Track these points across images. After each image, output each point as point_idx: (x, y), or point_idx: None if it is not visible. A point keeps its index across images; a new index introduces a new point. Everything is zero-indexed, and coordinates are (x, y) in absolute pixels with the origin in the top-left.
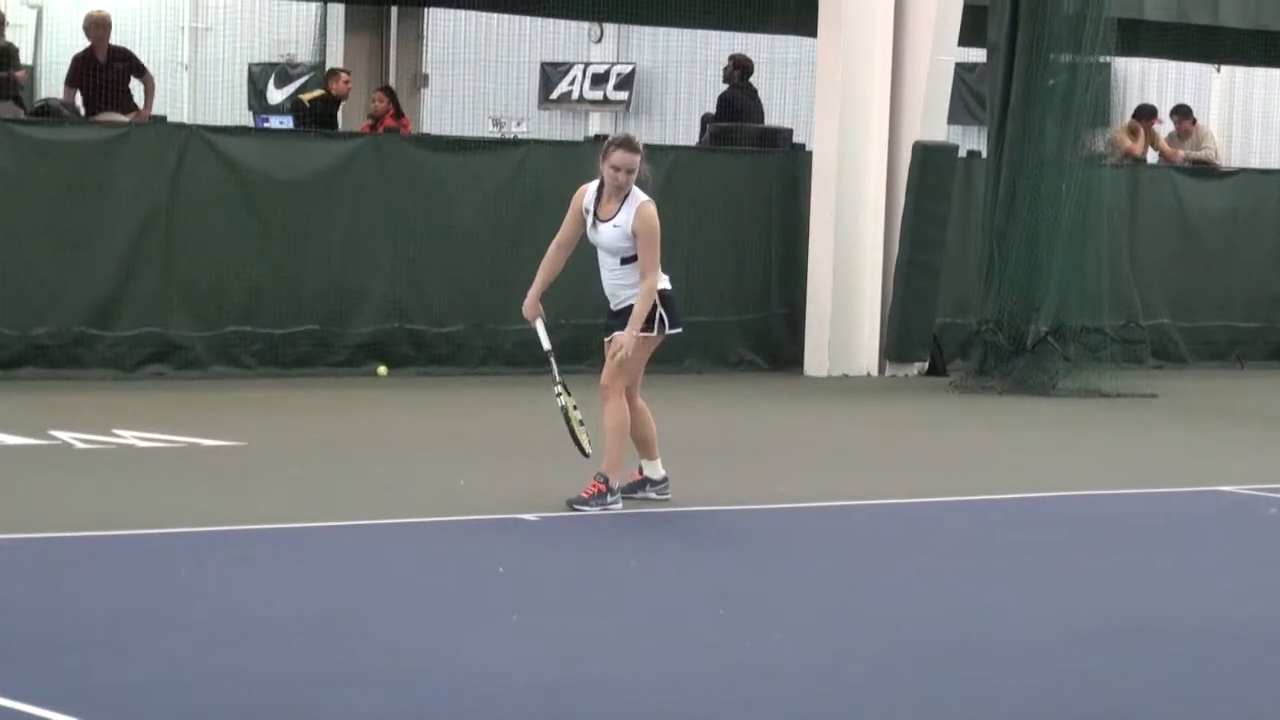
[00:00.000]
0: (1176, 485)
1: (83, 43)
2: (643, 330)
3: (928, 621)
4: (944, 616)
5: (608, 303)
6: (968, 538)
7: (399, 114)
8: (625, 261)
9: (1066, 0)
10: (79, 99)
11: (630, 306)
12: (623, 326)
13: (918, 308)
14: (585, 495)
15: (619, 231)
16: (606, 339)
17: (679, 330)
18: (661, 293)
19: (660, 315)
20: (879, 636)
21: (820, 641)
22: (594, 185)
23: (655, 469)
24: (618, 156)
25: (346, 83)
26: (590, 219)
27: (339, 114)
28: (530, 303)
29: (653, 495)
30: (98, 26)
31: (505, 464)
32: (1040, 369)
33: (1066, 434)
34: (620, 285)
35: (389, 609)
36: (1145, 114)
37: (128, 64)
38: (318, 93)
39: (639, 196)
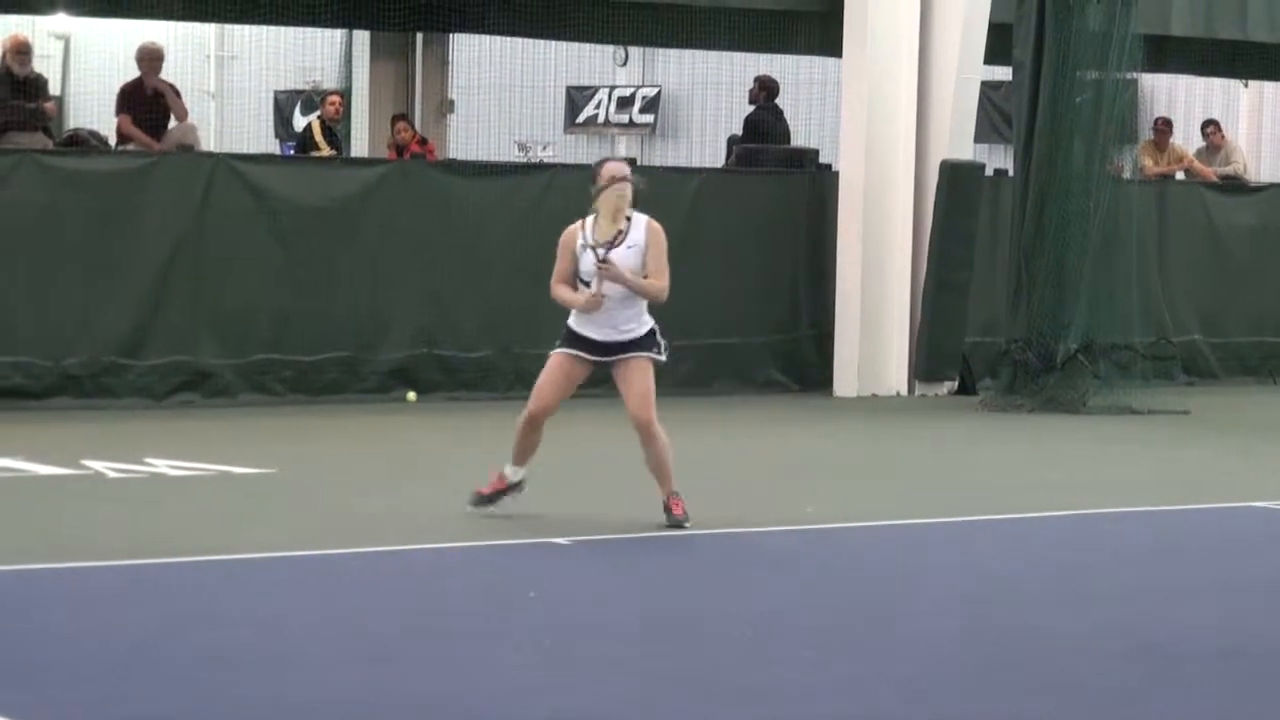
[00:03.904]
0: (1209, 502)
1: (111, 73)
2: (655, 354)
3: (959, 641)
4: (975, 636)
5: (591, 341)
6: (999, 557)
7: (423, 140)
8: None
9: (1092, 17)
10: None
11: (632, 339)
12: (617, 352)
13: (947, 327)
14: (680, 514)
15: (634, 251)
16: (607, 360)
17: (665, 359)
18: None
19: (660, 342)
20: (910, 657)
21: (851, 663)
22: (580, 223)
23: (519, 472)
24: (610, 166)
25: (335, 105)
26: (591, 253)
27: (338, 136)
28: (585, 296)
29: (510, 500)
30: (150, 58)
31: (536, 488)
32: (1070, 387)
33: (1098, 451)
34: (628, 317)
35: (421, 635)
36: (1161, 125)
37: (169, 99)
38: (313, 117)
39: (643, 216)
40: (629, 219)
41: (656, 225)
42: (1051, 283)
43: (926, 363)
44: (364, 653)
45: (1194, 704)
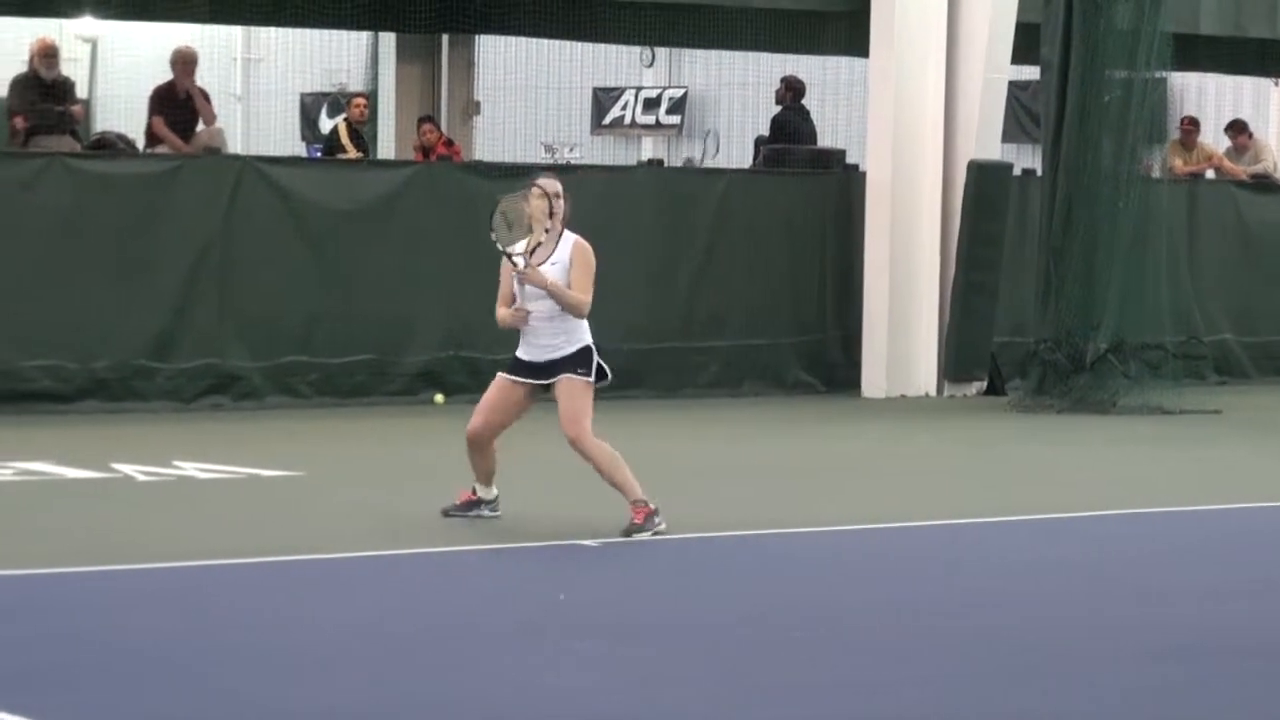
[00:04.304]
0: (1241, 501)
1: (138, 76)
2: (584, 375)
3: (991, 641)
4: (1007, 635)
5: (524, 363)
6: (1031, 557)
7: (450, 142)
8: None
9: (1120, 16)
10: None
11: (561, 357)
12: (546, 373)
13: (975, 327)
14: (638, 521)
15: (558, 268)
16: (545, 382)
17: (608, 381)
18: (594, 346)
19: (599, 364)
20: (941, 657)
21: (881, 663)
22: (523, 242)
23: (489, 492)
24: (541, 184)
25: (361, 107)
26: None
27: (365, 139)
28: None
29: (487, 513)
30: (184, 62)
31: (564, 490)
32: (1100, 387)
33: (1129, 451)
34: (554, 333)
35: (449, 637)
36: (1187, 124)
37: (198, 103)
38: (340, 120)
39: (573, 235)
40: (559, 237)
41: (584, 244)
42: (1081, 282)
43: (955, 363)
44: (391, 656)
45: (1227, 703)
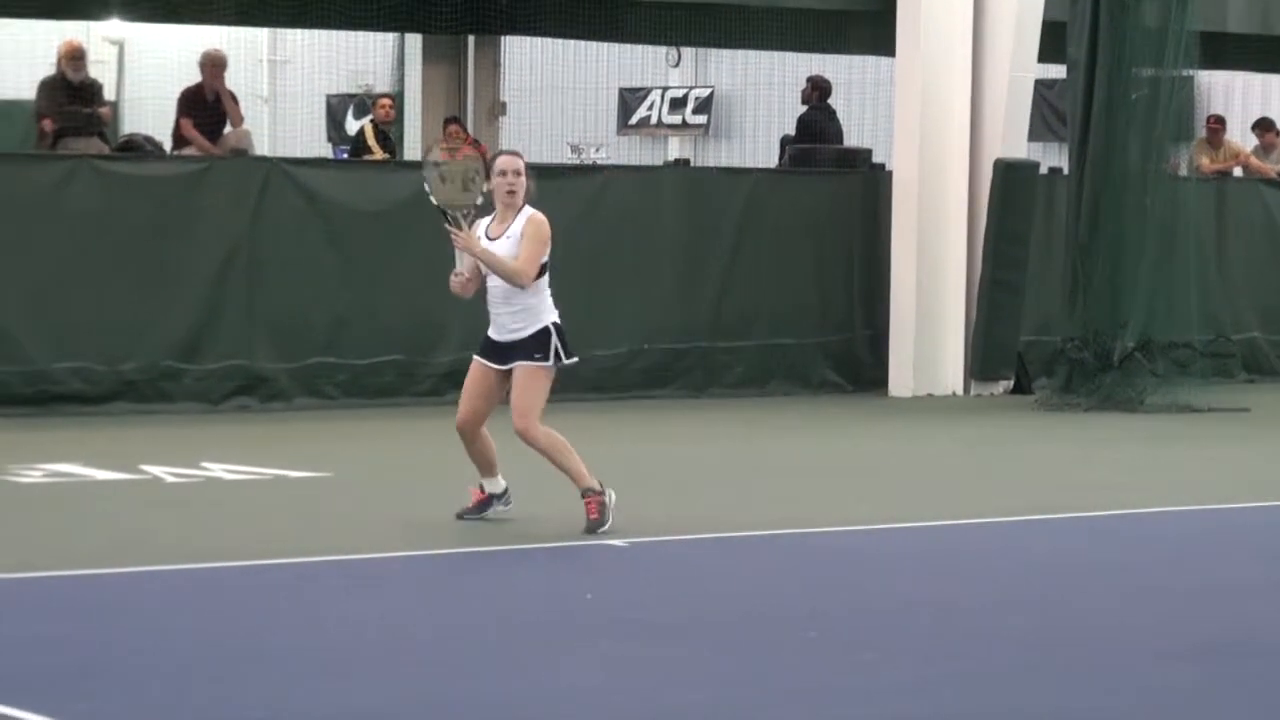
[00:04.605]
0: (1271, 499)
1: (166, 78)
2: (540, 360)
3: (1020, 641)
4: (1036, 635)
5: (492, 343)
6: (1058, 556)
7: (476, 142)
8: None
9: (1147, 14)
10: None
11: (519, 339)
12: (506, 358)
13: (1002, 326)
14: (594, 518)
15: (511, 241)
16: (499, 368)
17: (575, 360)
18: (556, 325)
19: (556, 346)
20: (970, 658)
21: (912, 663)
22: (487, 218)
23: (496, 484)
24: (502, 160)
25: (387, 108)
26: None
27: (391, 140)
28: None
29: (501, 508)
30: (213, 65)
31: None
32: (1128, 385)
33: (1157, 450)
34: (513, 313)
35: (478, 638)
36: (1213, 122)
37: (226, 105)
38: (366, 121)
39: (530, 209)
40: (519, 212)
41: (539, 218)
42: (1108, 281)
43: (982, 362)
44: (419, 656)
45: (1257, 702)
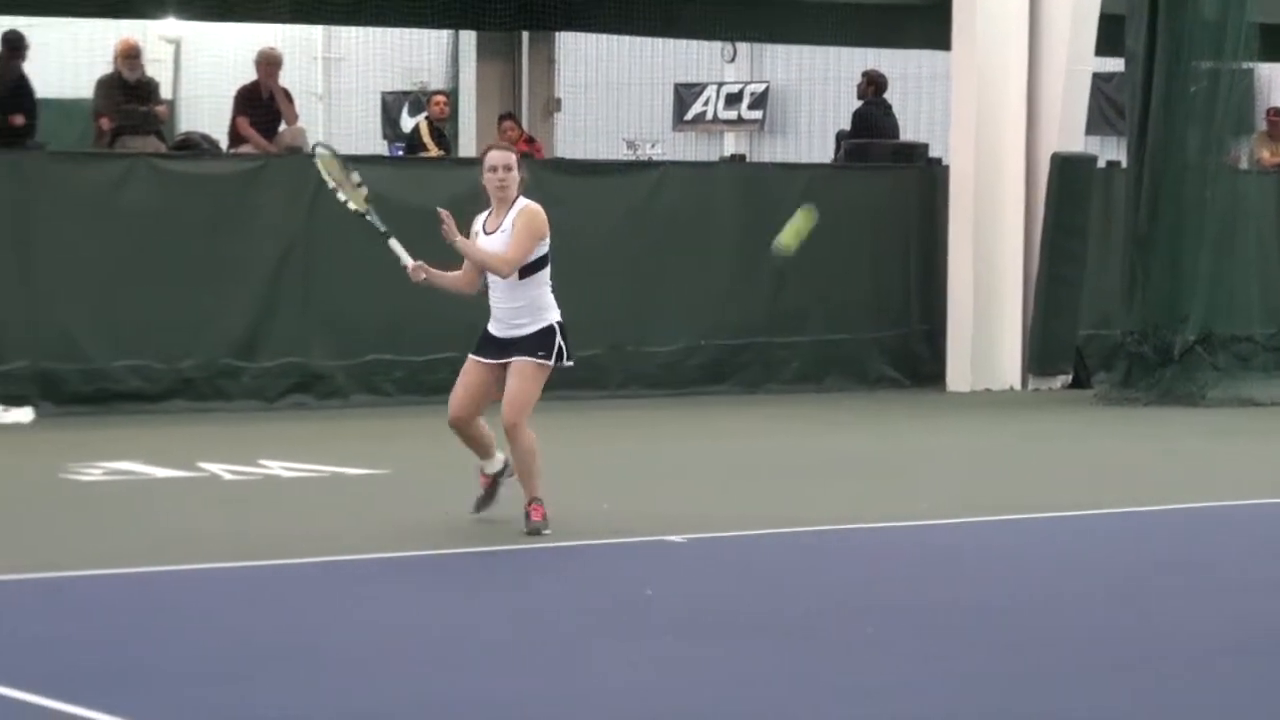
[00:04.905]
0: None
1: (221, 76)
2: (542, 358)
3: (1087, 637)
4: (1101, 631)
5: (492, 339)
6: (1122, 551)
7: (531, 139)
8: (523, 275)
9: (1206, 6)
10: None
11: (522, 336)
12: (506, 352)
13: (1060, 320)
14: (538, 519)
15: (505, 236)
16: (497, 363)
17: (571, 364)
18: (560, 324)
19: (560, 346)
20: (1034, 653)
21: (971, 659)
22: (484, 214)
23: (495, 463)
24: (492, 156)
25: (442, 105)
26: (480, 238)
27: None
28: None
29: (507, 480)
30: (268, 63)
31: (649, 486)
32: (1188, 379)
33: (1219, 444)
34: (516, 309)
35: (536, 634)
36: (1273, 115)
37: (281, 103)
38: (421, 118)
39: (525, 201)
40: (513, 204)
41: (532, 208)
42: (1167, 274)
43: (1040, 356)
44: (477, 654)
45: None
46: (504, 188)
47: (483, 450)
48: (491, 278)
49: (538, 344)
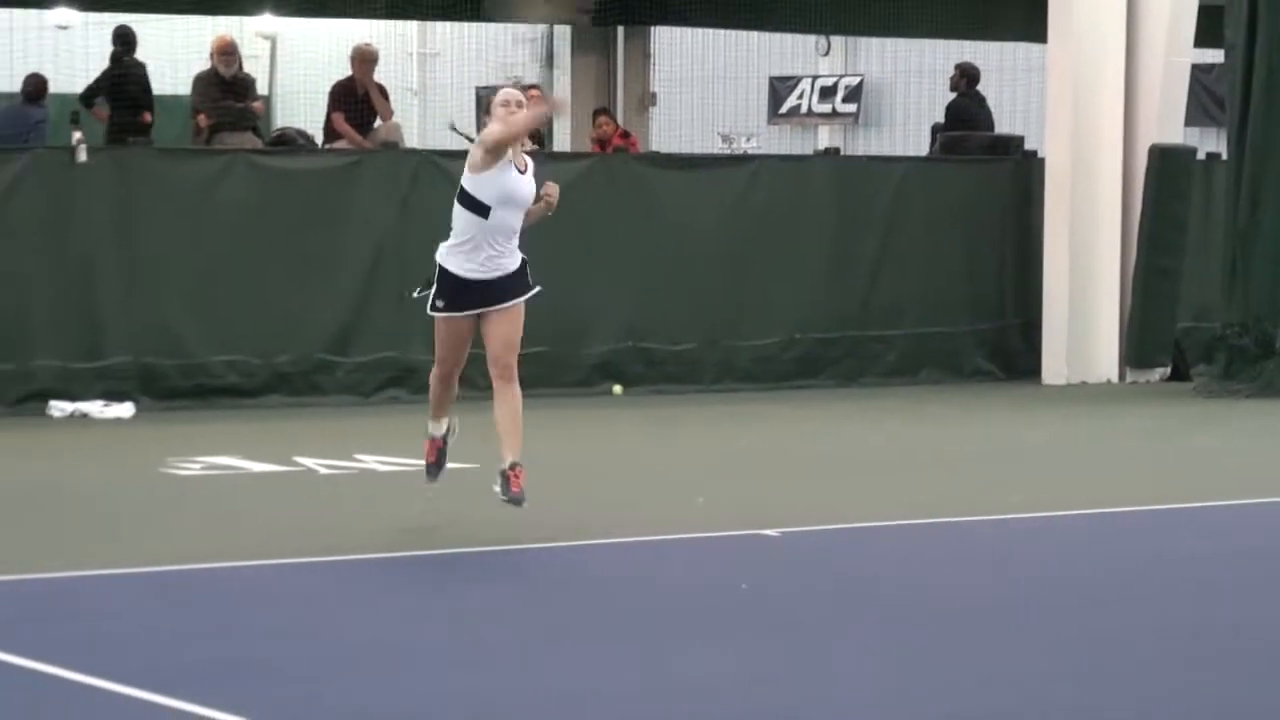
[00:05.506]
0: None
1: (317, 72)
2: (534, 288)
3: (1180, 632)
4: (1198, 627)
5: (466, 284)
6: (1221, 544)
7: (626, 133)
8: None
9: None
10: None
11: (511, 273)
12: (486, 298)
13: (1158, 313)
14: (518, 490)
15: (529, 176)
16: (500, 307)
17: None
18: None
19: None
20: (1128, 648)
21: (1063, 654)
22: (507, 158)
23: (443, 424)
24: (506, 92)
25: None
26: (510, 170)
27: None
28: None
29: (453, 439)
30: (363, 59)
31: (744, 479)
32: None
33: None
34: (511, 248)
35: (632, 628)
36: None
37: (375, 99)
38: None
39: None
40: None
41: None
42: (1268, 266)
43: (1138, 349)
44: (571, 648)
45: None
46: (521, 106)
47: (446, 409)
48: (496, 220)
49: (525, 277)
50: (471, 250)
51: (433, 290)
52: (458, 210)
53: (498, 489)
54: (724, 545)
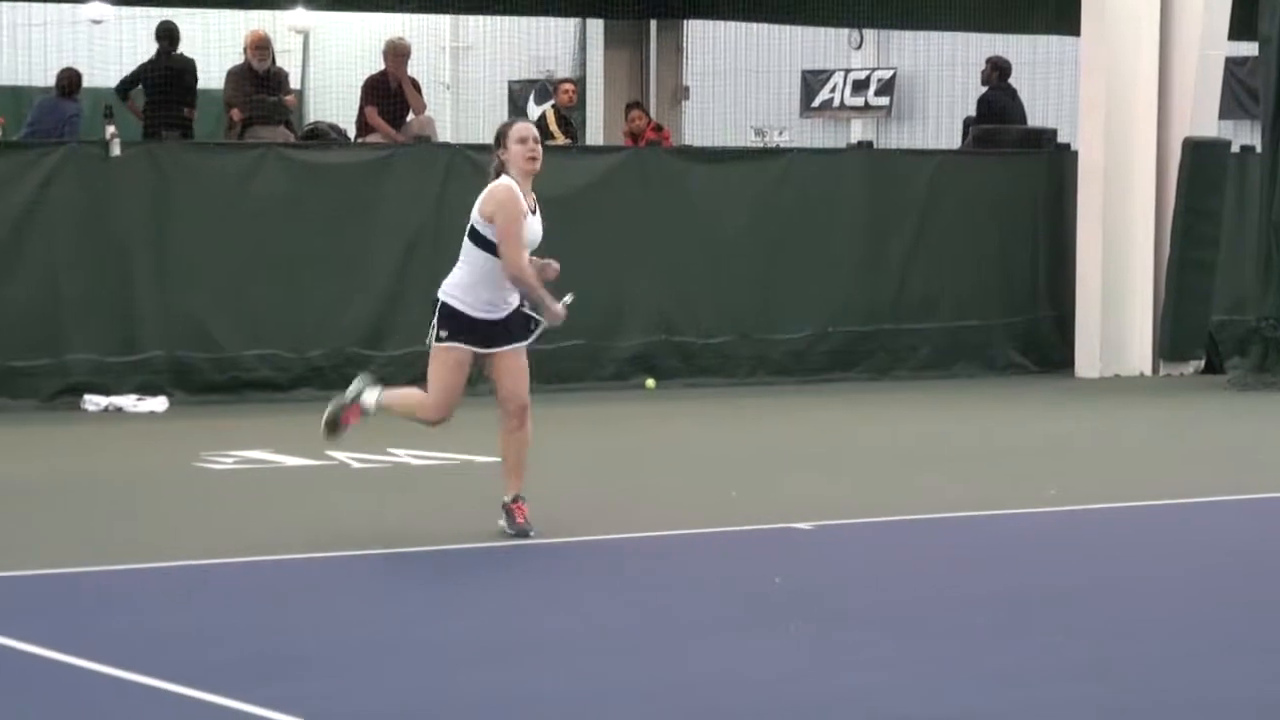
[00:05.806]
0: None
1: (350, 66)
2: (534, 329)
3: (1216, 624)
4: (1230, 619)
5: (470, 318)
6: (1255, 538)
7: (659, 127)
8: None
9: None
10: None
11: (513, 312)
12: (510, 335)
13: (1192, 305)
14: (523, 521)
15: (538, 216)
16: (483, 351)
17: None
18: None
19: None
20: (1164, 640)
21: (1103, 645)
22: (514, 185)
23: (373, 402)
24: (520, 128)
25: (569, 94)
26: (536, 220)
27: (573, 125)
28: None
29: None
30: (396, 53)
31: (776, 473)
32: None
33: None
34: (512, 290)
35: (664, 621)
36: None
37: (408, 93)
38: (548, 106)
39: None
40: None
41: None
42: None
43: (1171, 342)
44: (605, 642)
45: None
46: (536, 159)
47: (404, 407)
48: (502, 263)
49: (526, 318)
50: (482, 288)
51: (433, 323)
52: (469, 247)
53: (503, 523)
54: (757, 539)
